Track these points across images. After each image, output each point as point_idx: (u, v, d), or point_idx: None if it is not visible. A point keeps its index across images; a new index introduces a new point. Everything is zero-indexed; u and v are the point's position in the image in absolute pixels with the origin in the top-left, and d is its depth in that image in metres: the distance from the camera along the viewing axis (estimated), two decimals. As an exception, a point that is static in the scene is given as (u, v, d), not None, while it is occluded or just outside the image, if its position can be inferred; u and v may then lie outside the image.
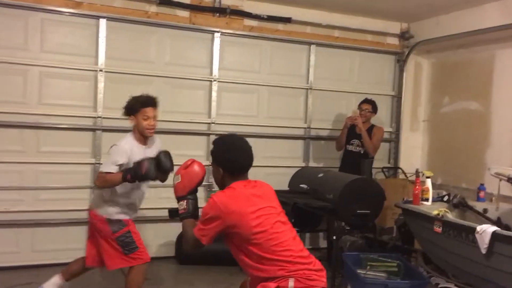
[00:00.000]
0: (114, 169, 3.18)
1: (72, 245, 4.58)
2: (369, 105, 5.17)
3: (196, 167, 2.49)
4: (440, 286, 3.57)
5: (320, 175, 4.68)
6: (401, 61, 6.07)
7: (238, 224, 2.24)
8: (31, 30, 4.49)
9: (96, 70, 4.71)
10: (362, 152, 5.14)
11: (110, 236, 3.29)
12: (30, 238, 4.58)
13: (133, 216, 3.44)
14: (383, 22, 5.94)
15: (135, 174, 3.10)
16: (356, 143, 5.17)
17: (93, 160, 4.71)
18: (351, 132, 5.18)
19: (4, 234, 4.48)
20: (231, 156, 2.41)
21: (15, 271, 4.39)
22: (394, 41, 6.09)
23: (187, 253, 4.04)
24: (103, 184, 3.24)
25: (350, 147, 5.20)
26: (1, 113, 4.40)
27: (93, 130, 4.73)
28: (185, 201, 2.44)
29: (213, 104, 5.18)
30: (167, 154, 3.28)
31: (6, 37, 4.41)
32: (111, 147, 3.31)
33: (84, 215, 4.66)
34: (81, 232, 4.68)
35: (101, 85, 4.71)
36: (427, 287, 3.60)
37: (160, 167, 3.19)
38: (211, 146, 2.53)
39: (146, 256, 3.37)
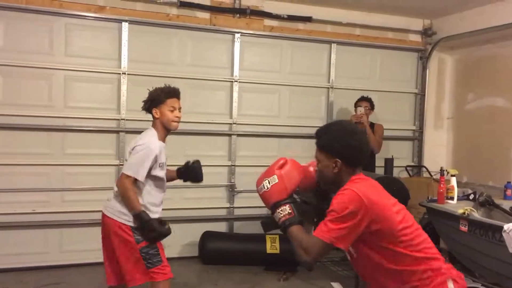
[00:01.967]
0: (141, 174, 2.90)
1: (99, 245, 4.65)
2: (367, 102, 5.12)
3: (294, 165, 2.14)
4: (467, 286, 3.51)
5: (343, 174, 4.65)
6: (423, 58, 5.98)
7: (381, 218, 1.92)
8: (56, 35, 4.58)
9: (119, 73, 4.78)
10: None
11: (133, 247, 2.92)
12: (58, 238, 4.68)
13: None
14: (405, 19, 5.87)
15: (142, 230, 2.90)
16: None
17: (117, 162, 4.78)
18: None
19: (33, 235, 4.58)
20: (356, 142, 2.06)
21: (44, 271, 4.48)
22: (417, 38, 6.01)
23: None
24: (123, 192, 2.90)
25: None
26: (28, 116, 4.51)
27: (117, 132, 4.80)
28: (287, 205, 2.04)
29: (235, 104, 5.20)
30: (199, 164, 3.25)
31: (31, 43, 4.52)
32: (136, 146, 2.96)
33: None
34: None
35: (124, 87, 4.79)
36: (453, 287, 3.54)
37: (192, 177, 3.18)
38: (318, 135, 2.15)
39: (168, 270, 3.02)
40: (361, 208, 1.89)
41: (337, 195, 1.98)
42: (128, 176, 2.89)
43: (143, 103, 3.11)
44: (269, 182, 2.07)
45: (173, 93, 3.11)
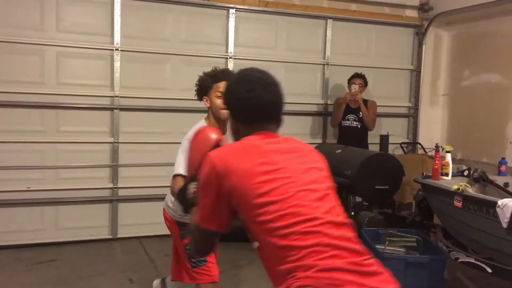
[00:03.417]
0: (179, 170, 2.48)
1: (94, 222, 4.69)
2: (361, 79, 5.11)
3: (208, 133, 1.88)
4: (460, 260, 3.55)
5: (338, 151, 4.66)
6: (420, 34, 5.94)
7: (238, 188, 1.47)
8: (47, 10, 4.50)
9: (112, 49, 4.71)
10: (359, 126, 5.11)
11: (179, 242, 2.72)
12: (54, 215, 4.68)
13: None
14: (401, -6, 5.81)
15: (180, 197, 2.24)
16: (353, 118, 5.13)
17: (111, 139, 4.76)
18: (346, 107, 5.14)
19: (29, 212, 4.59)
20: (244, 93, 1.64)
21: (40, 248, 4.50)
22: (413, 13, 5.95)
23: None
24: (171, 192, 2.57)
25: (346, 123, 5.16)
26: (20, 93, 4.46)
27: (111, 109, 4.76)
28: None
29: (230, 81, 5.15)
30: None
31: (22, 18, 4.43)
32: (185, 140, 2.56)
33: (105, 193, 4.81)
34: (103, 210, 4.81)
35: (117, 64, 4.72)
36: (446, 261, 3.59)
37: None
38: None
39: (215, 273, 2.70)
40: (214, 176, 1.50)
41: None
42: (174, 176, 2.53)
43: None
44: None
45: (221, 75, 2.71)
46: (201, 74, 2.83)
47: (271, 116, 1.69)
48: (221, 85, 2.60)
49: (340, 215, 1.52)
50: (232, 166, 1.49)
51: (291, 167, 1.52)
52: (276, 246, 1.42)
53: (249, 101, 1.64)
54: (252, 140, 1.59)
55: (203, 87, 2.74)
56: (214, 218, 1.55)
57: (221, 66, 5.02)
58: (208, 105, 2.72)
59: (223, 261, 4.43)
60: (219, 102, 2.61)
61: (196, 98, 2.81)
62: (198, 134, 1.92)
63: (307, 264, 1.37)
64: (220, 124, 2.68)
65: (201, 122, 2.70)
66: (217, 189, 1.50)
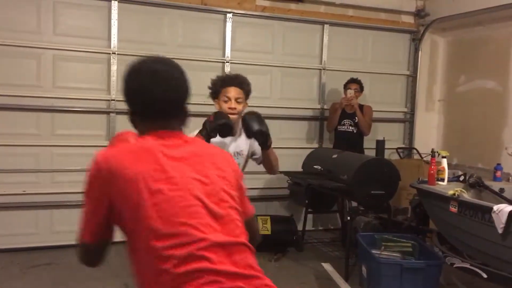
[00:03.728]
0: None
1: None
2: (357, 84, 5.13)
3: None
4: (455, 265, 3.56)
5: (334, 156, 4.66)
6: (416, 40, 5.96)
7: (121, 194, 1.32)
8: (44, 14, 4.49)
9: (109, 53, 4.71)
10: (355, 131, 5.12)
11: None
12: (49, 219, 4.65)
13: None
14: (398, 0, 5.83)
15: (207, 126, 2.50)
16: (348, 123, 5.14)
17: (107, 143, 4.73)
18: (341, 112, 5.16)
19: (24, 215, 4.57)
20: (132, 86, 1.47)
21: (35, 252, 4.48)
22: (409, 19, 5.98)
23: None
24: None
25: (341, 128, 5.17)
26: (16, 96, 4.44)
27: (107, 113, 4.75)
28: None
29: (226, 85, 5.15)
30: (252, 115, 2.61)
31: (19, 21, 4.43)
32: None
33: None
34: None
35: (114, 68, 4.72)
36: (442, 267, 3.59)
37: (248, 131, 2.58)
38: None
39: None
40: (97, 179, 1.36)
41: None
42: None
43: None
44: None
45: (228, 80, 2.75)
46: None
47: (167, 112, 1.48)
48: (230, 90, 2.68)
49: (233, 234, 1.36)
50: (118, 171, 1.32)
51: (184, 177, 1.35)
52: (153, 266, 1.28)
53: (137, 95, 1.47)
54: (146, 142, 1.41)
55: (213, 91, 2.79)
56: (91, 226, 1.39)
57: (218, 71, 5.11)
58: (218, 109, 2.74)
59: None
60: (225, 106, 2.68)
61: (210, 99, 2.85)
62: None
63: None
64: None
65: None
66: (99, 194, 1.36)
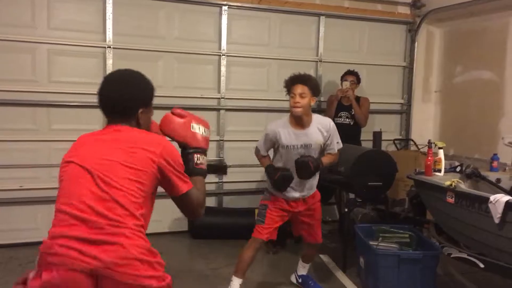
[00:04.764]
0: (262, 149, 3.44)
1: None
2: (354, 76, 5.12)
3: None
4: (452, 256, 3.57)
5: (331, 148, 4.66)
6: (412, 31, 5.95)
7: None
8: (38, 7, 4.47)
9: (104, 47, 4.69)
10: (351, 123, 5.12)
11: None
12: (48, 214, 4.64)
13: (285, 197, 3.38)
14: (394, -9, 5.82)
15: (269, 176, 3.29)
16: (345, 115, 5.14)
17: (104, 137, 4.73)
18: (338, 105, 5.15)
19: (23, 211, 4.57)
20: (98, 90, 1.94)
21: (34, 247, 4.45)
22: (405, 10, 5.96)
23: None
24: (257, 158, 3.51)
25: (338, 120, 5.14)
26: (12, 91, 4.43)
27: (104, 107, 4.73)
28: (205, 156, 2.20)
29: (222, 79, 5.15)
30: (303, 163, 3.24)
31: (13, 15, 4.40)
32: None
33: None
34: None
35: (109, 62, 4.70)
36: (439, 257, 3.62)
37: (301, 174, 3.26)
38: None
39: (264, 235, 3.33)
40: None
41: None
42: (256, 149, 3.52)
43: None
44: (205, 131, 2.15)
45: (294, 79, 3.27)
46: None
47: (112, 110, 1.91)
48: (296, 87, 3.23)
49: (97, 210, 1.79)
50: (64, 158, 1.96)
51: (88, 156, 1.83)
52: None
53: (98, 95, 1.92)
54: (94, 133, 1.95)
55: (286, 89, 3.31)
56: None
57: (214, 64, 5.10)
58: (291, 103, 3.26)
59: (220, 257, 4.46)
60: (292, 101, 3.24)
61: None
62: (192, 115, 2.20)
63: (50, 231, 1.81)
64: (295, 119, 3.31)
65: (285, 118, 3.39)
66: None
